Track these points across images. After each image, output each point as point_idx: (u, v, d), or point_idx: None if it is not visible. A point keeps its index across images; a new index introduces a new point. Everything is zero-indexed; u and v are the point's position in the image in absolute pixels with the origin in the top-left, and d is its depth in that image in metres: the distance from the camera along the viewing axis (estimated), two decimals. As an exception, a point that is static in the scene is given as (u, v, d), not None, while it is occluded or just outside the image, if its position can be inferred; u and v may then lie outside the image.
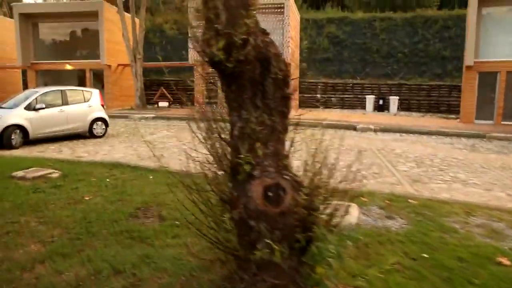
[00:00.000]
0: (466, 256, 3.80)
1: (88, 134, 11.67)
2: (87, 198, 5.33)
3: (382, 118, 19.64)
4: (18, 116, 9.96)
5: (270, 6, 20.42)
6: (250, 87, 2.41)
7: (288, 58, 20.42)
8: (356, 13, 33.23)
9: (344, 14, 34.15)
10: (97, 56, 22.84)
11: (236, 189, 2.52)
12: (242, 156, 2.46)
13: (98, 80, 23.89)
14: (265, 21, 21.02)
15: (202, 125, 2.99)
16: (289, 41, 20.46)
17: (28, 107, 10.21)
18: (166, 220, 4.49)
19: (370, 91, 27.95)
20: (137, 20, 21.56)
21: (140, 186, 5.97)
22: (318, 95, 28.74)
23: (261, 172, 2.49)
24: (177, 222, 4.39)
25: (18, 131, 9.89)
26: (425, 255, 3.80)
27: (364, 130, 15.22)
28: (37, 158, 7.96)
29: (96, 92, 11.96)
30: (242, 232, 2.43)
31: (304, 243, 2.44)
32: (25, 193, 5.51)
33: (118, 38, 23.20)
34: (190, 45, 21.18)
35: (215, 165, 2.80)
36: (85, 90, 11.88)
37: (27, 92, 11.14)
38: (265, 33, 2.41)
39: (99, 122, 11.79)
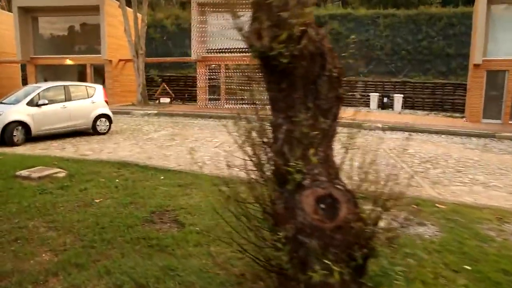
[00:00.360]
0: (511, 268, 3.53)
1: (91, 131, 11.34)
2: (97, 201, 5.03)
3: (388, 116, 19.37)
4: (20, 112, 9.63)
5: (275, 1, 20.08)
6: (302, 85, 2.11)
7: (292, 54, 20.11)
8: (359, 10, 32.90)
9: (346, 10, 33.82)
10: (97, 51, 22.44)
11: (284, 201, 2.23)
12: (291, 163, 2.17)
13: (99, 75, 23.48)
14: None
15: (238, 125, 2.66)
16: (294, 37, 20.10)
17: (30, 103, 9.87)
18: (184, 226, 4.19)
19: (373, 88, 27.67)
20: (139, 15, 21.18)
21: (151, 188, 5.68)
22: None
23: (311, 181, 2.21)
24: (197, 228, 4.10)
25: (20, 127, 9.56)
26: (467, 267, 3.53)
27: (372, 128, 14.94)
28: (41, 156, 7.64)
29: (99, 88, 11.62)
30: (292, 249, 2.14)
31: (361, 261, 2.16)
32: (32, 195, 5.21)
33: (119, 32, 22.81)
34: (193, 40, 20.87)
35: (256, 172, 2.50)
36: (89, 86, 11.53)
37: (28, 87, 10.80)
38: (318, 25, 2.11)
39: (103, 119, 11.46)
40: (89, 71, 22.38)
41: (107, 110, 11.62)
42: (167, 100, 25.42)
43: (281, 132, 2.28)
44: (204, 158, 8.46)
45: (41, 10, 22.19)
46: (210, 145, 10.13)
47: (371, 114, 20.09)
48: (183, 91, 27.56)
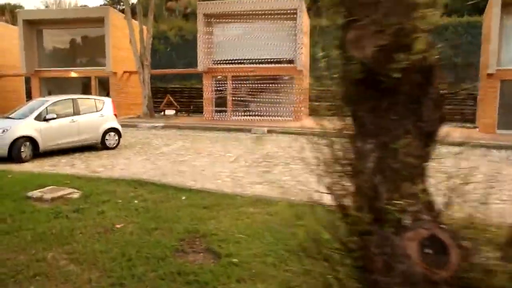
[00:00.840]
0: None
1: (100, 146, 10.96)
2: (118, 226, 4.61)
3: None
4: (27, 127, 9.26)
5: (282, 11, 19.88)
6: (404, 105, 1.73)
7: (300, 65, 19.84)
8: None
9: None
10: (102, 63, 22.20)
11: (379, 244, 1.82)
12: (391, 199, 1.76)
13: (103, 87, 23.21)
14: (277, 27, 20.47)
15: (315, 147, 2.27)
16: (301, 48, 19.85)
17: (38, 118, 9.52)
18: (221, 257, 3.77)
19: (380, 99, 27.33)
20: (144, 26, 20.96)
21: (174, 210, 5.26)
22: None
23: (413, 221, 1.80)
24: (235, 260, 3.68)
25: (28, 143, 9.19)
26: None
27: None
28: (52, 174, 7.24)
29: (108, 101, 11.27)
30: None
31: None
32: (46, 219, 4.80)
33: (123, 44, 22.58)
34: (199, 51, 20.62)
35: (337, 206, 2.10)
36: (97, 99, 11.19)
37: (36, 101, 10.45)
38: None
39: (112, 133, 11.09)
40: (93, 83, 22.10)
41: (116, 124, 11.26)
42: (172, 112, 25.13)
43: (370, 160, 1.88)
44: (222, 175, 8.05)
45: (45, 23, 22.01)
46: (225, 160, 9.73)
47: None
48: (188, 102, 27.27)
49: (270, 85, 21.31)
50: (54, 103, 9.94)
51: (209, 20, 20.80)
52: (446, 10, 34.93)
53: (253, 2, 20.04)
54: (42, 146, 9.49)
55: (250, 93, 21.35)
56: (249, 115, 21.34)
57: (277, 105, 21.22)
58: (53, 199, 5.61)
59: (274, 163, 9.52)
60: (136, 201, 5.63)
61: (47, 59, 23.04)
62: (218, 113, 21.46)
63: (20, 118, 9.52)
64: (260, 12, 20.10)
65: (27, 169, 8.35)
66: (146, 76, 19.74)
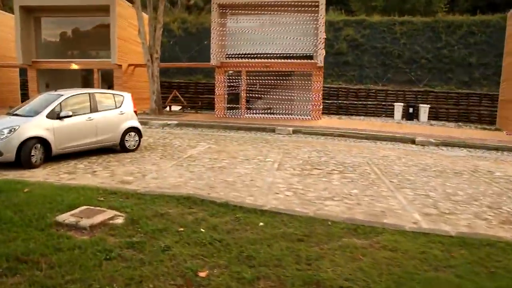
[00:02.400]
0: None
1: (119, 147, 9.53)
2: (202, 275, 3.27)
3: (424, 129, 17.86)
4: (38, 126, 7.79)
5: (304, 3, 18.54)
6: None
7: (321, 61, 18.56)
8: (373, 16, 31.80)
9: (360, 17, 32.65)
10: (105, 56, 20.63)
11: None
12: None
13: (106, 81, 21.65)
14: (296, 20, 19.13)
15: None
16: (323, 43, 18.56)
17: (51, 115, 8.05)
18: None
19: (394, 98, 26.31)
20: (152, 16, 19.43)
21: (262, 244, 3.95)
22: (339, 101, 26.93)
23: None
24: None
25: (39, 145, 7.73)
26: None
27: (424, 143, 13.37)
28: (76, 187, 5.81)
29: (128, 96, 9.82)
30: None
31: None
32: (94, 262, 3.44)
33: (129, 35, 21.06)
34: (212, 44, 19.19)
35: None
36: (116, 94, 9.71)
37: (47, 95, 8.94)
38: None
39: (132, 133, 9.67)
40: (96, 76, 20.52)
41: (136, 123, 9.84)
42: (178, 108, 23.69)
43: None
44: (279, 187, 6.72)
45: (44, 10, 20.31)
46: (268, 167, 8.40)
47: (405, 127, 18.56)
48: (194, 98, 25.81)
49: (287, 81, 20.02)
50: (68, 98, 8.47)
51: (223, 11, 19.36)
52: (445, 8, 34.16)
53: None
54: (55, 148, 8.04)
55: (265, 89, 20.02)
56: (264, 113, 20.00)
57: (294, 103, 19.94)
58: (92, 227, 4.23)
59: (326, 171, 8.23)
60: (202, 230, 4.28)
61: (46, 49, 21.36)
62: (230, 110, 20.08)
63: (28, 116, 8.03)
64: (278, 4, 18.75)
65: (41, 177, 6.91)
66: (155, 70, 18.25)
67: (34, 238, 3.89)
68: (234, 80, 19.96)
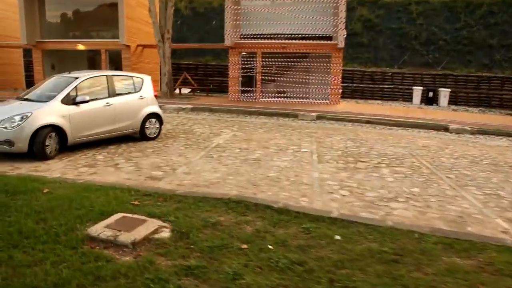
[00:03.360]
0: None
1: (138, 135, 8.69)
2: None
3: (450, 115, 16.96)
4: (53, 112, 6.94)
5: (323, -20, 17.37)
6: None
7: (342, 42, 17.50)
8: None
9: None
10: (113, 36, 19.58)
11: None
12: None
13: (113, 63, 20.68)
14: (316, -2, 17.98)
15: None
16: (343, 23, 17.46)
17: (66, 100, 7.18)
18: None
19: (412, 81, 25.33)
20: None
21: (348, 266, 3.15)
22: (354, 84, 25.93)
23: None
24: None
25: (53, 134, 6.89)
26: None
27: (459, 131, 12.49)
28: (104, 186, 4.99)
29: (147, 79, 8.91)
30: None
31: None
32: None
33: (137, 14, 19.98)
34: (226, 24, 18.10)
35: None
36: (135, 76, 8.78)
37: (59, 78, 8.03)
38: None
39: (153, 119, 8.81)
40: (104, 57, 19.54)
41: (157, 109, 8.97)
42: (187, 90, 22.77)
43: None
44: (332, 185, 5.91)
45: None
46: (307, 159, 7.57)
47: (430, 112, 17.64)
48: (203, 81, 24.84)
49: (303, 64, 18.99)
50: (84, 81, 7.57)
51: (238, -13, 18.20)
52: None
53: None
54: (72, 138, 7.20)
55: (281, 72, 19.04)
56: (281, 97, 19.06)
57: (312, 86, 18.97)
58: (135, 244, 3.42)
59: (373, 164, 7.40)
60: (270, 247, 3.47)
61: (50, 29, 20.30)
62: (245, 94, 19.14)
63: (41, 101, 7.15)
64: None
65: (58, 171, 6.10)
66: (167, 51, 17.24)
67: (66, 260, 3.09)
68: (248, 62, 18.94)
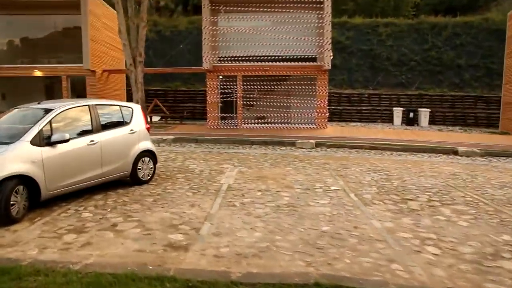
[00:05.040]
0: None
1: (129, 179, 6.91)
2: None
3: (446, 136, 16.37)
4: (20, 158, 5.08)
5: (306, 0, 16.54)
6: None
7: (329, 64, 16.62)
8: (355, 18, 30.72)
9: (342, 19, 31.30)
10: (74, 60, 17.54)
11: None
12: None
13: (75, 91, 18.52)
14: (298, 19, 17.11)
15: None
16: (329, 43, 16.64)
17: (38, 140, 5.34)
18: None
19: (388, 102, 25.08)
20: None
21: None
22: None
23: None
24: None
25: (21, 187, 5.02)
26: None
27: (469, 154, 11.68)
28: (115, 275, 3.27)
29: (137, 109, 7.22)
30: None
31: None
32: None
33: (102, 37, 18.14)
34: (204, 45, 16.69)
35: None
36: (123, 106, 7.05)
37: (23, 109, 6.16)
38: None
39: (146, 158, 7.09)
40: (65, 84, 17.38)
41: (150, 144, 7.28)
42: (157, 118, 20.95)
43: None
44: (406, 238, 4.51)
45: (1, 6, 16.94)
46: (347, 200, 6.20)
47: (423, 134, 17.00)
48: (174, 107, 23.09)
49: (285, 87, 17.89)
50: (61, 113, 5.78)
51: (216, 7, 16.95)
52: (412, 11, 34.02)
53: (272, -14, 16.54)
54: (46, 190, 5.34)
55: (262, 96, 17.81)
56: (264, 123, 17.73)
57: (296, 110, 17.85)
58: None
59: (424, 203, 6.13)
60: None
61: (2, 52, 17.91)
62: (225, 121, 17.65)
63: (2, 142, 5.27)
64: (277, 0, 16.61)
65: (33, 244, 4.27)
66: (139, 76, 15.50)
67: None
68: (227, 86, 17.56)
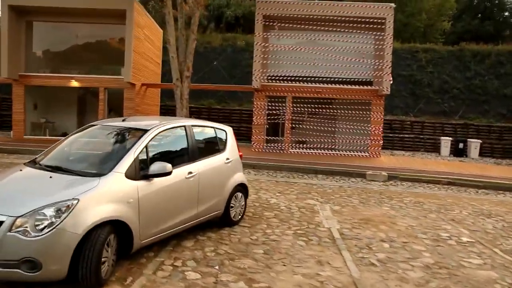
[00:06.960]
0: None
1: (217, 220, 5.53)
2: None
3: (505, 170, 14.81)
4: (113, 196, 3.74)
5: (366, 20, 15.40)
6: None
7: (388, 88, 15.34)
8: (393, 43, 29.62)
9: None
10: (111, 71, 16.53)
11: None
12: None
13: (109, 104, 17.41)
14: (358, 40, 15.95)
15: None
16: (389, 67, 15.41)
17: (133, 172, 4.01)
18: None
19: (432, 130, 23.71)
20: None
21: None
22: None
23: None
24: None
25: (112, 236, 3.67)
26: None
27: None
28: None
29: (230, 132, 5.91)
30: None
31: None
32: None
33: (143, 49, 17.15)
34: (255, 63, 15.57)
35: None
36: (217, 128, 5.73)
37: (110, 126, 4.83)
38: None
39: (239, 194, 5.74)
40: (102, 96, 16.30)
41: (243, 176, 5.93)
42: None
43: None
44: None
45: (40, 12, 16.10)
46: (496, 257, 4.77)
47: (489, 168, 15.45)
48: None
49: (335, 110, 16.61)
50: (157, 135, 4.48)
51: (269, 23, 15.86)
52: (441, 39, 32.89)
53: (331, 5, 15.44)
54: (139, 239, 3.98)
55: (308, 119, 16.56)
56: (312, 148, 16.37)
57: (345, 136, 16.50)
58: None
59: None
60: None
61: (38, 61, 17.00)
62: (271, 144, 16.34)
63: (85, 173, 3.94)
64: (334, 19, 15.49)
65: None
66: (185, 91, 14.32)
67: None
68: (274, 107, 16.32)
